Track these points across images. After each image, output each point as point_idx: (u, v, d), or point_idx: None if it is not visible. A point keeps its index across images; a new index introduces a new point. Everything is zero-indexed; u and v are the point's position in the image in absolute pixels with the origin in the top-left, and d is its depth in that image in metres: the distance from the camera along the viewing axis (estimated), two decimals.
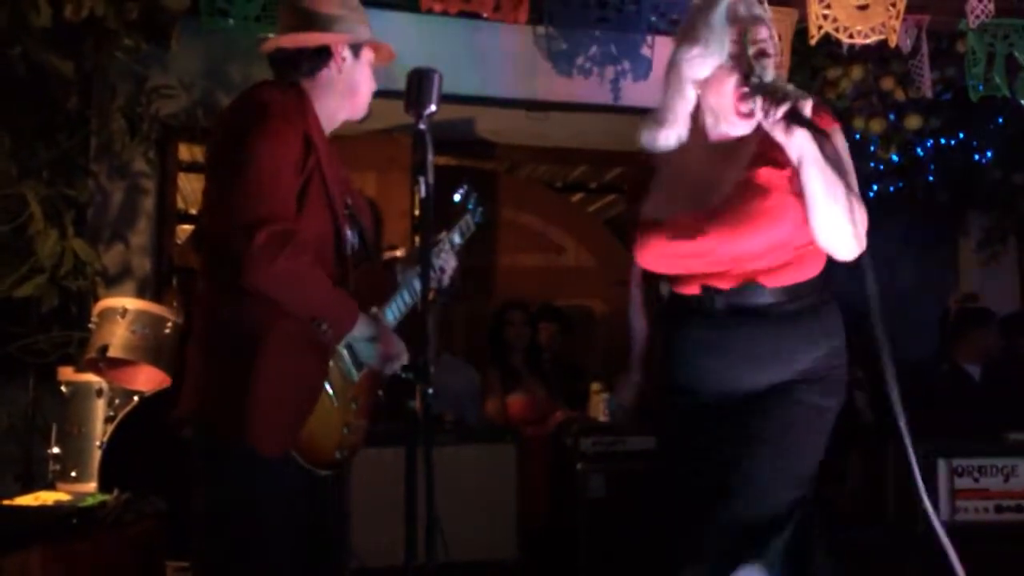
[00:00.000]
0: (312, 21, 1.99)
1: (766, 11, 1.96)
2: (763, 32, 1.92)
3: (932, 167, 4.77)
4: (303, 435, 1.86)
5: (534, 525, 3.69)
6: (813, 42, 3.54)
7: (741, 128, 1.96)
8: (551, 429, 4.03)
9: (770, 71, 1.91)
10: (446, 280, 2.14)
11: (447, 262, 2.14)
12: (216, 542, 1.86)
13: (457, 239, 2.23)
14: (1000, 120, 4.78)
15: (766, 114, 1.82)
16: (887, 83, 4.27)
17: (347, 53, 2.01)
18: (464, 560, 3.32)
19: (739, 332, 1.95)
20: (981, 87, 3.69)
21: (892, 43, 3.33)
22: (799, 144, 1.83)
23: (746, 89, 1.88)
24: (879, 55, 4.10)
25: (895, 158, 4.66)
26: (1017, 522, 3.32)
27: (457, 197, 2.28)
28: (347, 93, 2.03)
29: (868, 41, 3.35)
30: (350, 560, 3.12)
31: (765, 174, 1.92)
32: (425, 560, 1.80)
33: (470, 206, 2.30)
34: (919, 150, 4.72)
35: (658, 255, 2.00)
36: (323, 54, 1.99)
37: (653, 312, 2.16)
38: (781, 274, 1.95)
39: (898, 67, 4.19)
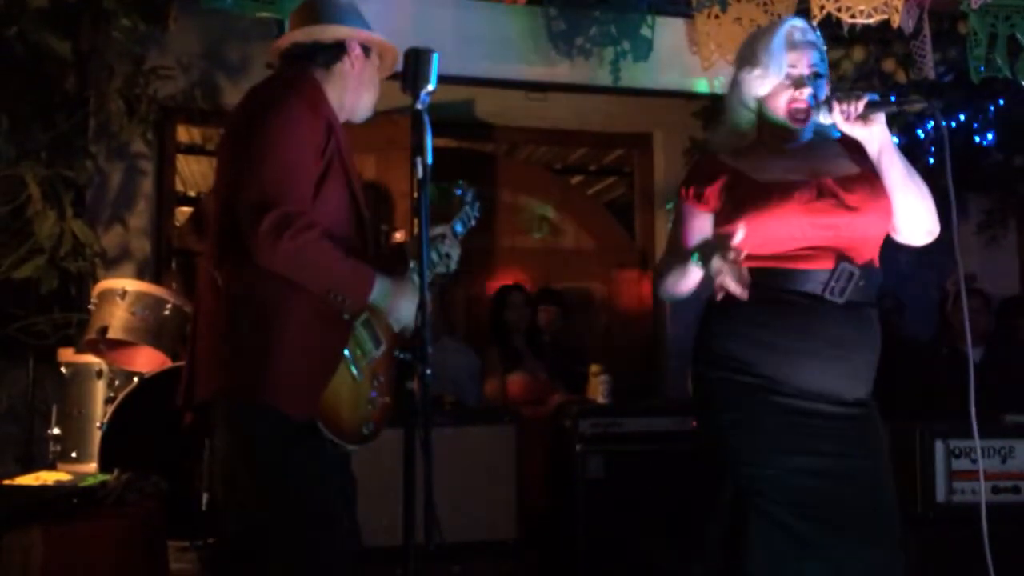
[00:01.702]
0: (328, 16, 2.04)
1: (818, 37, 2.16)
2: (815, 56, 2.10)
3: (933, 149, 4.75)
4: (331, 410, 1.91)
5: (533, 506, 3.70)
6: (815, 22, 3.51)
7: (788, 136, 2.13)
8: (550, 410, 4.05)
9: (824, 90, 2.09)
10: (452, 266, 2.20)
11: (452, 248, 2.19)
12: (251, 513, 1.88)
13: (459, 229, 2.30)
14: (1001, 102, 4.76)
15: (847, 115, 1.98)
16: (889, 64, 4.25)
17: (359, 51, 2.07)
18: (463, 541, 3.35)
19: (860, 333, 2.02)
20: (983, 68, 3.66)
21: (895, 23, 3.31)
22: (879, 133, 2.00)
23: (819, 101, 2.05)
24: (881, 36, 4.07)
25: (896, 140, 4.64)
26: (1014, 503, 3.33)
27: (458, 191, 2.36)
28: (356, 89, 2.08)
29: (870, 21, 3.32)
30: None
31: (871, 171, 2.07)
32: (424, 540, 1.81)
33: (468, 199, 2.36)
34: (920, 132, 4.70)
35: (803, 213, 2.00)
36: (339, 48, 2.04)
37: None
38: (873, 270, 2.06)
39: (900, 48, 4.16)
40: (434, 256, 2.12)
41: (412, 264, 2.11)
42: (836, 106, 1.99)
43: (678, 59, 4.24)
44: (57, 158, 3.80)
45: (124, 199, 4.27)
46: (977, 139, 4.86)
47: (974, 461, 3.27)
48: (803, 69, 2.07)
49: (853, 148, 2.12)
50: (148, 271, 4.27)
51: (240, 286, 1.89)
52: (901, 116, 4.41)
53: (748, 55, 2.14)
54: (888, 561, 1.98)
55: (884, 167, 2.03)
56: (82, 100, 4.03)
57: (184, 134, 4.84)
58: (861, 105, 1.97)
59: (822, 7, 3.28)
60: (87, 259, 3.77)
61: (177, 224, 4.83)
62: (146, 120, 4.01)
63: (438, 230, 2.18)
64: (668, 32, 4.25)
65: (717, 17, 3.92)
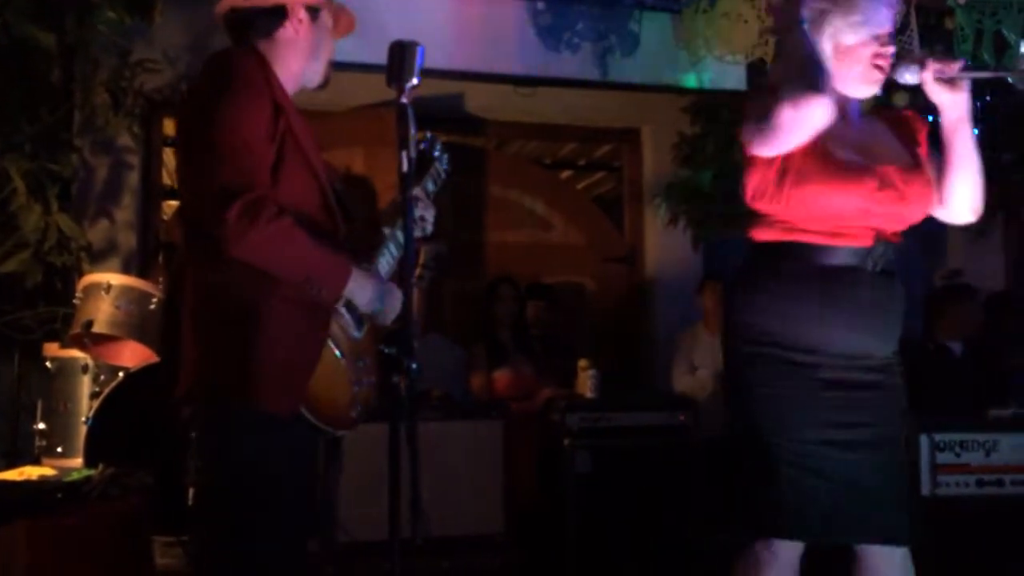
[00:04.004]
0: None
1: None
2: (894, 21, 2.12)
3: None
4: (317, 397, 1.87)
5: (521, 501, 3.71)
6: None
7: (863, 92, 2.10)
8: (537, 406, 4.05)
9: (916, 46, 2.10)
10: (428, 228, 2.14)
11: (426, 210, 2.13)
12: (226, 512, 1.86)
13: (431, 187, 2.22)
14: (988, 98, 4.78)
15: (940, 74, 1.98)
16: None
17: (304, 15, 1.98)
18: (451, 535, 3.36)
19: (892, 296, 2.08)
20: (969, 63, 3.68)
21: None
22: (962, 101, 2.01)
23: (912, 55, 2.08)
24: None
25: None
26: (998, 497, 3.36)
27: (422, 146, 2.25)
28: (303, 55, 1.99)
29: None
30: (336, 530, 3.15)
31: (920, 160, 2.09)
32: (410, 535, 1.81)
33: (435, 153, 2.27)
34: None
35: (863, 200, 2.01)
36: (279, 13, 1.96)
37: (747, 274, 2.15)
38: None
39: None
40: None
41: (387, 231, 2.07)
42: (930, 64, 1.98)
43: (666, 54, 4.25)
44: (42, 151, 3.77)
45: (110, 193, 4.24)
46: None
47: (959, 455, 3.29)
48: (889, 28, 2.07)
49: (902, 132, 2.15)
50: (134, 265, 4.25)
51: (212, 281, 1.85)
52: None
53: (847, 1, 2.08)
54: (900, 521, 2.05)
55: (956, 137, 2.06)
56: (67, 93, 4.00)
57: (171, 127, 4.80)
58: (956, 67, 1.98)
59: None
60: (72, 253, 3.75)
61: (164, 218, 4.81)
62: (132, 113, 3.98)
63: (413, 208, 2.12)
64: (656, 27, 4.26)
65: (705, 12, 3.93)
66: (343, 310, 1.94)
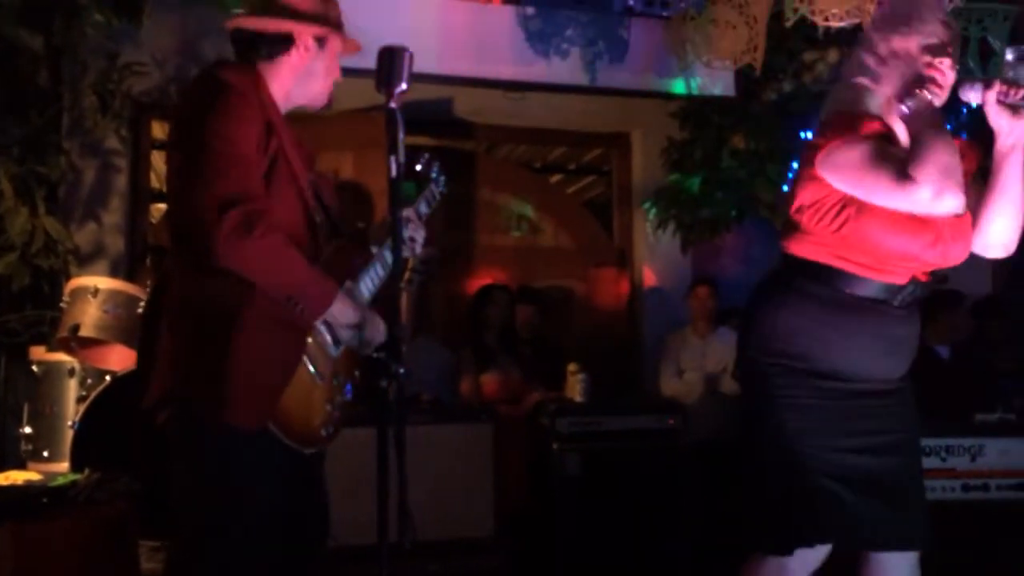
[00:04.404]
0: (279, 11, 1.97)
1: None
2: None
3: None
4: (288, 414, 1.85)
5: (510, 504, 3.71)
6: (788, 24, 3.55)
7: (904, 109, 2.03)
8: (526, 409, 4.05)
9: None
10: (418, 250, 2.14)
11: (416, 232, 2.12)
12: (193, 521, 1.85)
13: (424, 208, 2.23)
14: (974, 105, 4.81)
15: (1004, 96, 1.93)
16: None
17: (311, 44, 1.99)
18: (440, 539, 3.36)
19: (914, 329, 2.12)
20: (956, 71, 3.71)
21: (867, 25, 3.34)
22: (1021, 128, 1.95)
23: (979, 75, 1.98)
24: (855, 38, 4.10)
25: None
26: (984, 501, 3.37)
27: (419, 167, 2.26)
28: (305, 80, 2.00)
29: (843, 24, 3.36)
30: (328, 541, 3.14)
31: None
32: (398, 540, 1.81)
33: (433, 174, 2.28)
34: None
35: (916, 250, 2.01)
36: (286, 41, 1.97)
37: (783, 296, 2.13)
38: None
39: None
40: None
41: (375, 250, 2.07)
42: (996, 85, 1.93)
43: (655, 60, 4.26)
44: (30, 154, 3.76)
45: (98, 196, 4.23)
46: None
47: (944, 459, 3.31)
48: (943, 40, 2.04)
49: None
50: (122, 268, 4.23)
51: (192, 290, 1.84)
52: None
53: (903, 11, 2.08)
54: (921, 525, 2.08)
55: (1006, 165, 2.00)
56: (55, 96, 3.99)
57: (159, 130, 4.79)
58: (1021, 94, 1.92)
59: (796, 9, 3.30)
60: (59, 256, 3.73)
61: (152, 221, 4.79)
62: (120, 116, 3.97)
63: (402, 213, 2.13)
64: (644, 33, 4.28)
65: (693, 19, 3.95)
66: (322, 327, 1.93)
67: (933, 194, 1.89)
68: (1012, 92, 1.92)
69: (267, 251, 1.77)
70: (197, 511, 1.85)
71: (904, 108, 1.98)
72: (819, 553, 2.06)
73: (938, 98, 2.02)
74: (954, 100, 2.08)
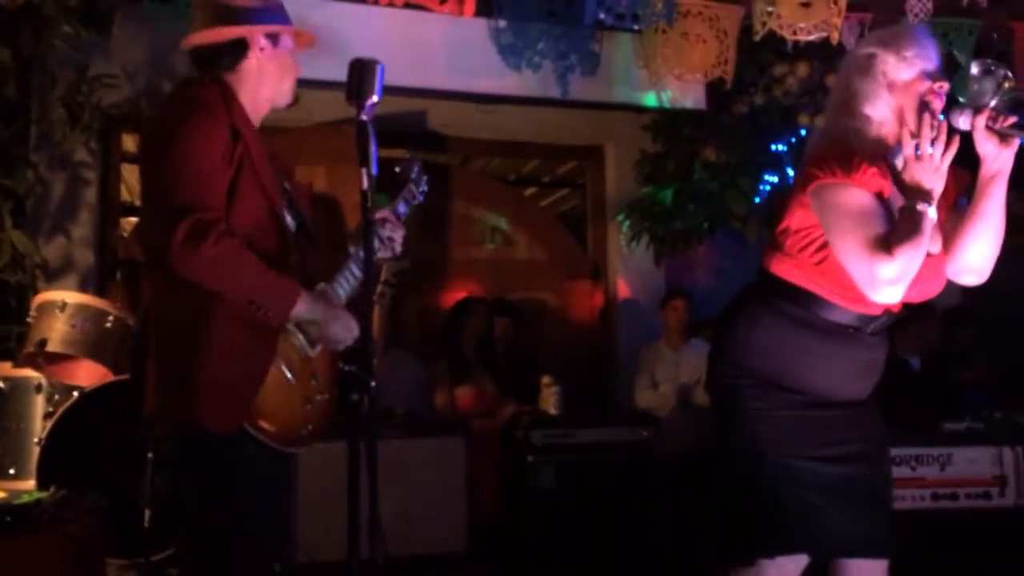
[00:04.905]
0: (225, 16, 2.00)
1: None
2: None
3: None
4: (266, 415, 1.87)
5: (484, 518, 3.69)
6: (757, 38, 3.59)
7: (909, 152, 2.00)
8: (500, 422, 4.04)
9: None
10: (397, 249, 2.15)
11: (395, 231, 2.15)
12: (195, 528, 1.89)
13: (402, 209, 2.24)
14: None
15: (993, 122, 1.92)
16: (832, 80, 4.35)
17: (265, 43, 2.03)
18: (413, 554, 3.33)
19: (884, 351, 2.14)
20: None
21: (834, 40, 3.39)
22: (1007, 158, 1.95)
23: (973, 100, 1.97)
24: (824, 52, 4.17)
25: None
26: (952, 510, 3.40)
27: (398, 168, 2.27)
28: (269, 81, 2.04)
29: (811, 38, 3.41)
30: (296, 551, 3.12)
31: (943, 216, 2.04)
32: (369, 555, 1.80)
33: (413, 175, 2.29)
34: None
35: (913, 287, 1.99)
36: (240, 46, 2.00)
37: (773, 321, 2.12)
38: None
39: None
40: (375, 242, 2.03)
41: (352, 251, 2.08)
42: (986, 111, 1.93)
43: (626, 73, 4.29)
44: None
45: (67, 209, 4.18)
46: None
47: (914, 469, 3.34)
48: (938, 65, 2.04)
49: (943, 195, 2.07)
50: (92, 283, 4.18)
51: (163, 302, 1.89)
52: None
53: (899, 36, 2.06)
54: (883, 521, 2.11)
55: (988, 191, 1.98)
56: (23, 108, 3.94)
57: (130, 143, 4.75)
58: (1010, 120, 1.92)
59: (764, 23, 3.34)
60: (27, 271, 3.68)
61: (123, 235, 4.73)
62: (89, 129, 3.93)
63: (379, 214, 2.12)
64: (616, 46, 4.31)
65: (664, 32, 3.98)
66: (295, 329, 1.95)
67: (891, 280, 1.90)
68: (1001, 119, 1.93)
69: (220, 258, 1.79)
70: (196, 518, 1.89)
71: (909, 151, 1.94)
72: (798, 563, 2.07)
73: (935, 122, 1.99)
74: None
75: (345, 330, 1.96)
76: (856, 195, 1.96)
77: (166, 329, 1.88)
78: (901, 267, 1.89)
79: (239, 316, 1.85)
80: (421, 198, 2.31)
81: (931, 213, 1.90)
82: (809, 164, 2.07)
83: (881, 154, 2.03)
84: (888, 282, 1.90)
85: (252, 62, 2.01)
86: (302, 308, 1.90)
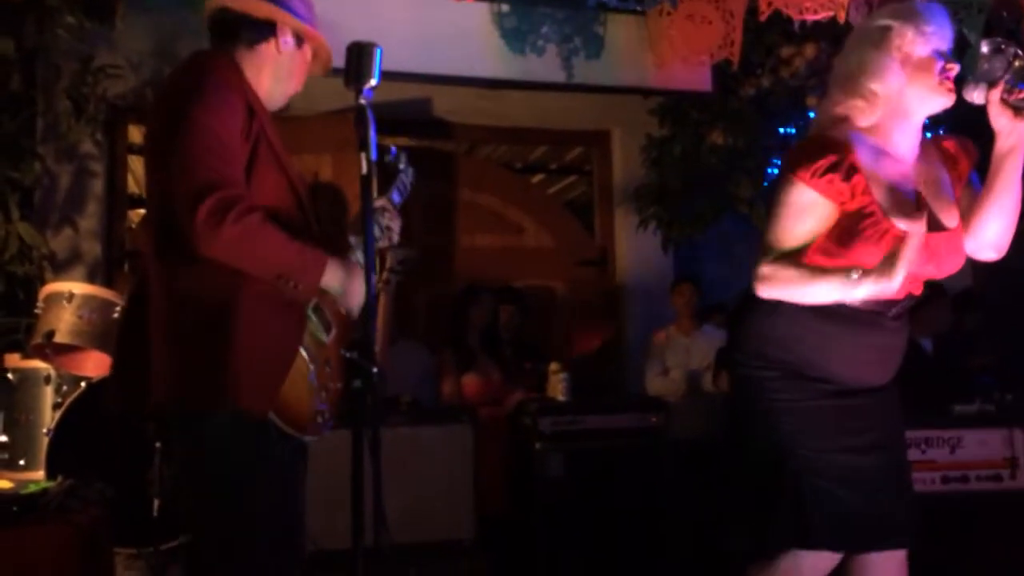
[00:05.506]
0: None
1: None
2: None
3: None
4: (287, 402, 1.84)
5: (491, 506, 3.69)
6: (763, 18, 3.55)
7: (936, 107, 2.02)
8: (507, 410, 4.03)
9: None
10: (395, 238, 2.13)
11: (392, 221, 2.12)
12: (212, 517, 1.84)
13: (397, 198, 2.22)
14: (977, 104, 4.82)
15: (1008, 94, 1.92)
16: None
17: (291, 38, 1.98)
18: (420, 541, 3.33)
19: (905, 336, 2.14)
20: None
21: (841, 19, 3.35)
22: (1022, 130, 1.94)
23: (989, 73, 1.95)
24: (832, 33, 4.12)
25: None
26: (963, 492, 3.38)
27: (390, 158, 2.24)
28: (276, 76, 1.98)
29: (818, 17, 3.37)
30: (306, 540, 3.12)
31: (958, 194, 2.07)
32: (373, 543, 1.79)
33: (401, 166, 2.27)
34: None
35: (932, 264, 2.00)
36: (267, 28, 1.95)
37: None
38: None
39: None
40: (376, 231, 2.00)
41: (354, 240, 2.05)
42: (1000, 84, 1.92)
43: (632, 56, 4.25)
44: (3, 160, 3.72)
45: (74, 201, 4.18)
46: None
47: (924, 451, 3.31)
48: (951, 43, 2.03)
49: (952, 171, 2.10)
50: (99, 274, 4.19)
51: (184, 284, 1.82)
52: None
53: (916, 10, 2.03)
54: (905, 508, 2.09)
55: (1004, 166, 1.98)
56: (28, 100, 3.95)
57: (136, 134, 4.75)
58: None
59: (770, 3, 3.30)
60: (34, 262, 3.70)
61: (131, 226, 4.74)
62: (95, 120, 3.94)
63: (377, 203, 2.09)
64: (621, 29, 4.26)
65: (669, 14, 3.94)
66: (311, 313, 1.92)
67: (758, 279, 2.00)
68: (1016, 92, 1.91)
69: (245, 234, 1.74)
70: (212, 509, 1.84)
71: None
72: (831, 559, 2.05)
73: (951, 99, 2.00)
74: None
75: (358, 282, 1.91)
76: (803, 196, 1.97)
77: (186, 314, 1.81)
78: (776, 285, 1.99)
79: (268, 295, 1.81)
80: (410, 187, 2.29)
81: (860, 292, 1.92)
82: (793, 147, 2.09)
83: (881, 138, 2.02)
84: (755, 277, 2.01)
85: (271, 48, 1.95)
86: (331, 277, 1.86)
